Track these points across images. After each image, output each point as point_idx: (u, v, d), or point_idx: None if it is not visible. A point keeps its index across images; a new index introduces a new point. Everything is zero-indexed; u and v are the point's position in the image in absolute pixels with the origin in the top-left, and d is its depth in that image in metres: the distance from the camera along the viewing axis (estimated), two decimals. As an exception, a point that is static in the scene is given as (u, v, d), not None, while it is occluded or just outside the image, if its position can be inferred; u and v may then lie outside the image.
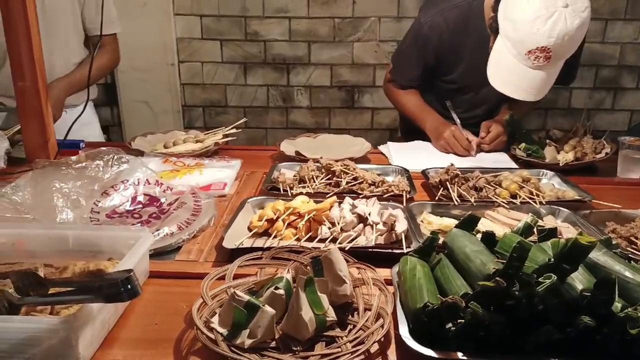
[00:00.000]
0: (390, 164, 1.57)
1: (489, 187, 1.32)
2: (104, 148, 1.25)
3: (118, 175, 1.21)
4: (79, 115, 1.55)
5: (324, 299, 0.78)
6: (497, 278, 0.70)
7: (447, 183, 1.30)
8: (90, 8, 1.90)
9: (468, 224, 0.91)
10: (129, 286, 0.63)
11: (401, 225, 1.04)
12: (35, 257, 0.91)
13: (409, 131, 1.98)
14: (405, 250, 0.98)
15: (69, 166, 1.15)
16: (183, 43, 3.07)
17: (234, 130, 1.75)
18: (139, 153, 1.52)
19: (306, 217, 1.06)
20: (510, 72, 1.48)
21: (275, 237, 1.07)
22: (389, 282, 0.87)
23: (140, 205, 1.17)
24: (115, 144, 1.48)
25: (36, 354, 0.66)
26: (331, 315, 0.78)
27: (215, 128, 1.79)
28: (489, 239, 0.86)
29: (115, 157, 1.22)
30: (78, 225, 1.02)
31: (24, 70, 1.44)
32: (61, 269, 0.85)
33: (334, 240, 1.05)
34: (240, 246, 1.00)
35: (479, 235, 0.89)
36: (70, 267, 0.84)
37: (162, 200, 1.20)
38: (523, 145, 1.67)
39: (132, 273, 0.64)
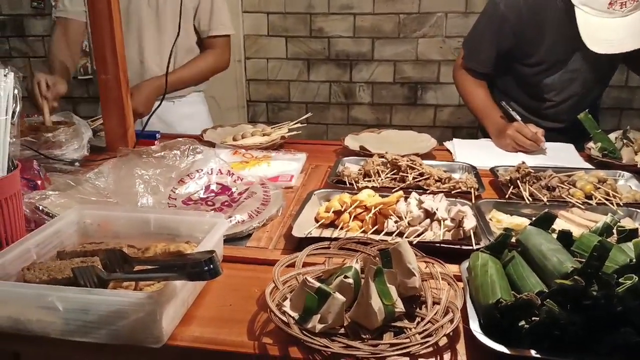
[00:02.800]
0: (455, 161, 1.55)
1: (563, 186, 1.27)
2: (180, 139, 1.31)
3: (193, 165, 1.27)
4: (156, 108, 1.64)
5: (393, 290, 0.79)
6: (576, 277, 0.69)
7: (518, 181, 1.26)
8: (203, 10, 1.93)
9: (543, 222, 0.89)
10: (212, 266, 0.66)
11: (470, 222, 1.03)
12: (118, 237, 0.97)
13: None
14: (474, 247, 0.96)
15: (149, 155, 1.22)
16: (250, 40, 3.15)
17: (299, 125, 1.78)
18: (211, 145, 1.58)
19: (373, 210, 1.07)
20: (605, 31, 1.41)
21: (341, 228, 1.08)
22: (457, 278, 0.86)
23: (213, 194, 1.22)
24: (189, 136, 1.54)
25: (124, 326, 0.71)
26: (399, 306, 0.78)
27: (278, 123, 1.83)
28: (565, 238, 0.83)
29: (191, 147, 1.28)
30: (159, 210, 1.08)
31: (107, 63, 1.53)
32: (143, 249, 0.91)
33: (400, 234, 1.05)
34: (309, 235, 1.02)
35: (554, 234, 0.86)
36: (152, 248, 0.90)
37: (233, 189, 1.24)
38: (599, 145, 1.60)
39: (214, 254, 0.67)
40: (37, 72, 1.64)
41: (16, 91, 0.96)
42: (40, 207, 1.04)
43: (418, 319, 0.78)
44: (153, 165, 1.19)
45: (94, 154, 1.52)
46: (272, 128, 1.80)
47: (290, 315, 0.76)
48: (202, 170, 1.26)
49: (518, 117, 1.69)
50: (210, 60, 2.01)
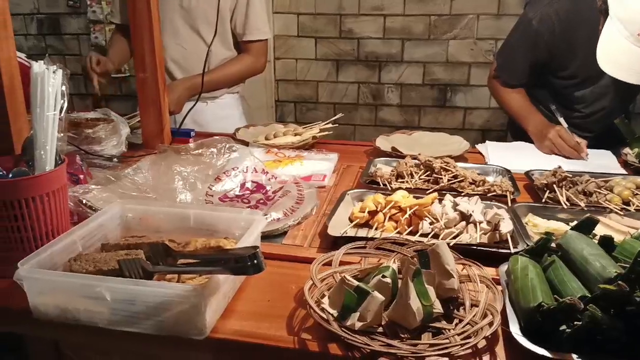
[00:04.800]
0: (487, 164, 1.54)
1: (600, 192, 1.26)
2: (216, 137, 1.34)
3: (228, 163, 1.29)
4: (192, 107, 1.68)
5: (431, 291, 0.79)
6: (620, 282, 0.68)
7: (555, 186, 1.25)
8: (239, 13, 1.94)
9: (585, 226, 0.88)
10: (256, 261, 0.68)
11: (506, 225, 1.02)
12: (159, 232, 0.99)
13: (519, 133, 1.89)
14: (512, 250, 0.96)
15: (187, 152, 1.24)
16: (280, 40, 3.18)
17: (330, 125, 1.79)
18: (244, 143, 1.60)
19: (409, 212, 1.07)
20: (623, 55, 1.38)
21: (376, 228, 1.09)
22: (495, 281, 0.86)
23: (248, 191, 1.23)
24: (222, 135, 1.57)
25: (168, 317, 0.73)
26: (437, 307, 0.78)
27: (306, 123, 1.84)
28: (607, 243, 0.83)
29: (227, 146, 1.30)
30: (198, 205, 1.10)
31: (145, 62, 1.56)
32: (183, 244, 0.93)
33: (435, 236, 1.05)
34: (344, 235, 1.03)
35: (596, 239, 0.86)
36: (192, 243, 0.92)
37: (268, 187, 1.26)
38: (636, 150, 1.56)
39: (258, 249, 0.69)
40: (92, 52, 1.86)
41: (64, 87, 0.99)
42: (84, 201, 1.08)
43: (456, 321, 0.78)
44: (191, 162, 1.22)
45: (131, 150, 1.55)
46: (303, 128, 1.81)
47: (329, 312, 0.77)
48: (237, 168, 1.28)
49: (565, 124, 1.68)
50: (246, 63, 2.02)
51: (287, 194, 1.21)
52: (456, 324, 0.77)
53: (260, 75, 2.16)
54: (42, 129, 0.92)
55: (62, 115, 0.99)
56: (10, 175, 0.89)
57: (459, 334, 0.73)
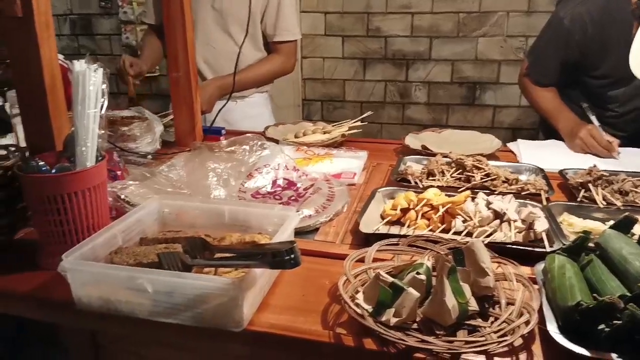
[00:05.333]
0: (520, 162, 1.52)
1: (636, 191, 1.23)
2: (248, 135, 1.36)
3: (260, 160, 1.31)
4: (223, 106, 1.70)
5: (467, 288, 0.79)
6: (662, 282, 0.67)
7: (590, 185, 1.23)
8: (270, 15, 1.96)
9: (623, 225, 0.86)
10: (293, 256, 0.69)
11: (541, 224, 1.01)
12: (194, 227, 1.01)
13: (550, 132, 1.87)
14: (547, 249, 0.95)
15: (220, 149, 1.26)
16: (307, 39, 3.19)
17: (359, 123, 1.80)
18: (274, 141, 1.62)
19: (442, 209, 1.07)
20: None
21: (408, 226, 1.09)
22: (531, 280, 0.85)
23: (279, 188, 1.25)
24: (253, 132, 1.59)
25: (207, 309, 0.75)
26: (473, 305, 0.78)
27: (333, 122, 1.84)
28: (647, 242, 0.81)
29: (258, 143, 1.32)
30: (232, 202, 1.12)
31: (179, 62, 1.59)
32: (219, 239, 0.94)
33: (468, 234, 1.04)
34: (376, 232, 1.03)
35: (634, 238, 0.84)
36: (227, 238, 0.93)
37: (299, 185, 1.27)
38: (674, 149, 1.53)
39: (295, 244, 0.70)
40: (125, 55, 1.90)
41: (104, 86, 1.02)
42: (122, 196, 1.11)
43: (492, 319, 0.78)
44: (224, 159, 1.24)
45: (165, 148, 1.59)
46: (332, 126, 1.82)
47: (363, 308, 0.77)
48: (269, 165, 1.30)
49: (597, 122, 1.66)
50: (275, 64, 2.04)
51: (318, 191, 1.22)
52: (492, 322, 0.77)
53: (287, 75, 2.18)
54: (83, 126, 0.95)
55: (103, 112, 1.02)
56: (54, 171, 0.92)
57: (495, 332, 0.73)
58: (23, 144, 1.14)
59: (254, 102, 2.15)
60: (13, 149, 1.08)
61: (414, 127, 2.81)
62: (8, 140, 1.42)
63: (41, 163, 0.92)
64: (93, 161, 0.96)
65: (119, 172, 1.23)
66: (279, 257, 0.69)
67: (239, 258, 0.78)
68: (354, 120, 1.82)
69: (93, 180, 0.94)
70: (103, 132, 1.02)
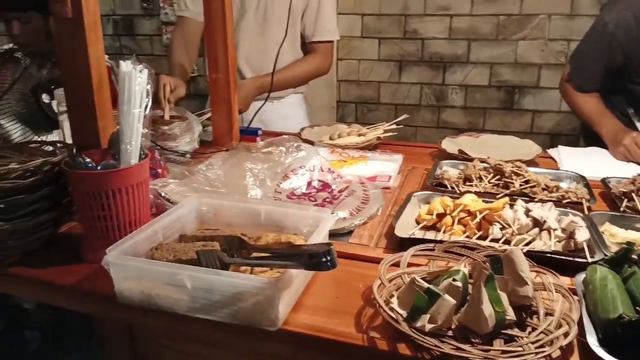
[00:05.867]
0: (560, 169, 1.48)
1: (684, 202, 1.18)
2: (285, 136, 1.37)
3: (296, 161, 1.32)
4: (260, 107, 1.72)
5: (504, 297, 0.78)
6: None
7: (633, 194, 1.19)
8: (310, 14, 1.97)
9: (670, 237, 0.83)
10: (329, 257, 0.69)
11: (583, 234, 0.99)
12: (231, 226, 1.03)
13: (592, 138, 1.82)
14: (589, 260, 0.92)
15: (257, 150, 1.28)
16: (343, 41, 3.20)
17: (394, 126, 1.79)
18: (309, 143, 1.63)
19: (479, 216, 1.05)
20: None
21: (444, 232, 1.08)
22: (571, 290, 0.83)
23: (314, 190, 1.26)
24: (288, 134, 1.61)
25: (243, 307, 0.76)
26: (510, 314, 0.77)
27: (367, 124, 1.84)
28: (695, 256, 0.78)
29: (294, 144, 1.33)
30: (269, 202, 1.14)
31: (218, 63, 1.62)
32: (255, 238, 0.96)
33: (506, 242, 1.03)
34: (412, 236, 1.03)
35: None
36: (263, 238, 0.95)
37: (333, 187, 1.27)
38: None
39: (332, 246, 0.70)
40: (163, 75, 1.76)
41: (148, 86, 1.05)
42: (162, 194, 1.14)
43: (529, 329, 0.76)
44: (261, 159, 1.25)
45: (203, 147, 1.62)
46: (367, 128, 1.82)
47: (398, 313, 0.77)
48: (304, 166, 1.31)
49: None
50: (312, 64, 2.05)
51: (353, 194, 1.22)
52: (529, 332, 0.75)
53: (323, 76, 2.18)
54: (128, 125, 0.98)
55: (147, 112, 1.05)
56: (99, 168, 0.95)
57: (532, 343, 0.72)
58: (69, 140, 1.18)
59: (290, 102, 2.17)
60: (60, 145, 1.12)
61: (449, 131, 2.77)
62: (54, 136, 1.48)
63: (87, 160, 0.95)
64: (137, 159, 0.99)
65: (159, 170, 1.26)
66: (316, 259, 0.70)
67: (275, 258, 0.79)
68: (390, 123, 1.82)
69: (136, 177, 0.97)
70: (146, 130, 1.05)
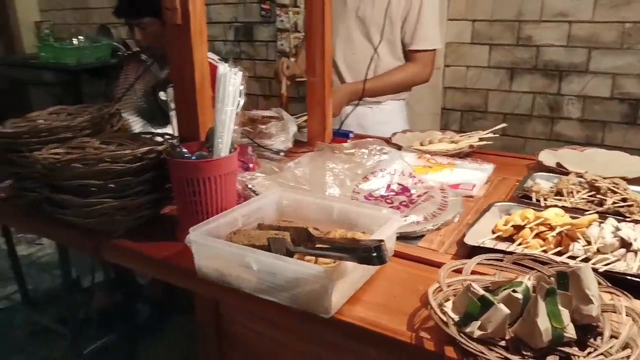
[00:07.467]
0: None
1: None
2: (370, 139, 1.41)
3: (378, 164, 1.35)
4: (351, 112, 1.78)
5: (565, 314, 0.75)
6: None
7: None
8: (410, 22, 1.98)
9: None
10: (379, 253, 0.73)
11: (675, 259, 0.90)
12: (306, 220, 1.10)
13: None
14: (675, 286, 0.84)
15: (341, 151, 1.33)
16: (451, 47, 3.14)
17: (491, 135, 1.74)
18: (398, 147, 1.65)
19: (558, 230, 1.01)
20: None
21: (519, 244, 1.05)
22: (647, 316, 0.77)
23: (392, 193, 1.28)
24: (378, 137, 1.64)
25: (301, 293, 0.82)
26: (570, 332, 0.74)
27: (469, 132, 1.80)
28: None
29: (378, 147, 1.37)
30: (342, 200, 1.19)
31: (316, 67, 1.70)
32: (325, 232, 1.01)
33: (586, 260, 0.97)
34: (482, 245, 1.01)
35: None
36: (332, 233, 1.00)
37: (413, 191, 1.29)
38: None
39: (383, 242, 0.73)
40: (283, 58, 2.12)
41: (242, 87, 1.15)
42: (250, 186, 1.24)
43: (590, 349, 0.73)
44: (343, 160, 1.31)
45: (296, 147, 1.71)
46: (461, 136, 1.79)
47: (449, 316, 0.78)
48: (385, 169, 1.34)
49: None
50: (410, 73, 2.05)
51: (430, 199, 1.23)
52: (589, 353, 0.72)
53: (428, 83, 2.17)
54: (221, 121, 1.09)
55: (239, 110, 1.15)
56: (194, 158, 1.07)
57: (588, 363, 0.68)
58: (176, 133, 1.33)
59: (389, 108, 2.19)
60: (167, 137, 1.27)
61: (562, 144, 2.59)
62: (168, 130, 1.66)
63: (184, 150, 1.08)
64: (226, 152, 1.10)
65: (250, 165, 1.37)
66: (366, 253, 0.74)
67: (333, 250, 0.84)
68: (486, 132, 1.77)
69: (224, 168, 1.07)
70: (238, 127, 1.15)
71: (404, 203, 1.23)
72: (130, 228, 1.12)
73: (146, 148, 1.10)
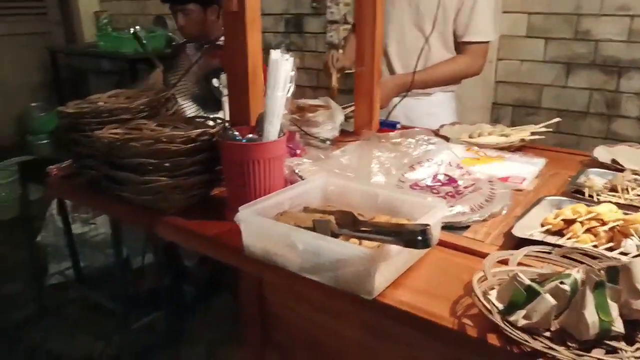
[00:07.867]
0: None
1: None
2: (417, 129, 1.40)
3: (425, 154, 1.34)
4: (398, 103, 1.77)
5: (614, 307, 0.73)
6: None
7: None
8: (463, 13, 1.95)
9: None
10: (425, 237, 0.73)
11: None
12: (351, 206, 1.11)
13: None
14: None
15: (388, 140, 1.34)
16: (504, 40, 3.06)
17: (543, 130, 1.69)
18: (445, 139, 1.63)
19: (611, 225, 0.98)
20: None
21: (569, 238, 1.02)
22: None
23: (439, 183, 1.27)
24: (426, 129, 1.63)
25: (344, 273, 0.84)
26: (618, 326, 0.72)
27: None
28: None
29: (425, 138, 1.36)
30: (388, 187, 1.19)
31: (365, 57, 1.71)
32: (369, 218, 1.02)
33: (638, 257, 0.94)
34: (530, 237, 1.00)
35: None
36: (376, 218, 1.01)
37: (460, 182, 1.27)
38: None
39: (428, 227, 0.74)
40: (333, 50, 2.13)
41: (292, 73, 1.17)
42: (296, 171, 1.26)
43: (638, 345, 0.71)
44: (389, 149, 1.31)
45: (343, 136, 1.72)
46: (512, 129, 1.75)
47: (493, 304, 0.77)
48: (432, 159, 1.33)
49: None
50: (460, 65, 2.02)
51: (478, 191, 1.21)
52: (637, 349, 0.70)
53: (479, 75, 2.13)
54: (271, 106, 1.11)
55: (289, 96, 1.17)
56: (244, 140, 1.10)
57: (636, 358, 0.67)
58: (227, 118, 1.37)
59: (437, 100, 2.16)
60: (220, 121, 1.31)
61: (619, 144, 2.50)
62: (220, 115, 1.71)
63: (236, 133, 1.11)
64: (275, 137, 1.12)
65: (298, 151, 1.39)
66: (411, 236, 0.74)
67: (377, 232, 0.85)
68: (539, 126, 1.72)
69: (272, 152, 1.10)
70: (286, 113, 1.17)
71: (450, 194, 1.22)
72: (182, 207, 1.17)
73: (199, 130, 1.14)
